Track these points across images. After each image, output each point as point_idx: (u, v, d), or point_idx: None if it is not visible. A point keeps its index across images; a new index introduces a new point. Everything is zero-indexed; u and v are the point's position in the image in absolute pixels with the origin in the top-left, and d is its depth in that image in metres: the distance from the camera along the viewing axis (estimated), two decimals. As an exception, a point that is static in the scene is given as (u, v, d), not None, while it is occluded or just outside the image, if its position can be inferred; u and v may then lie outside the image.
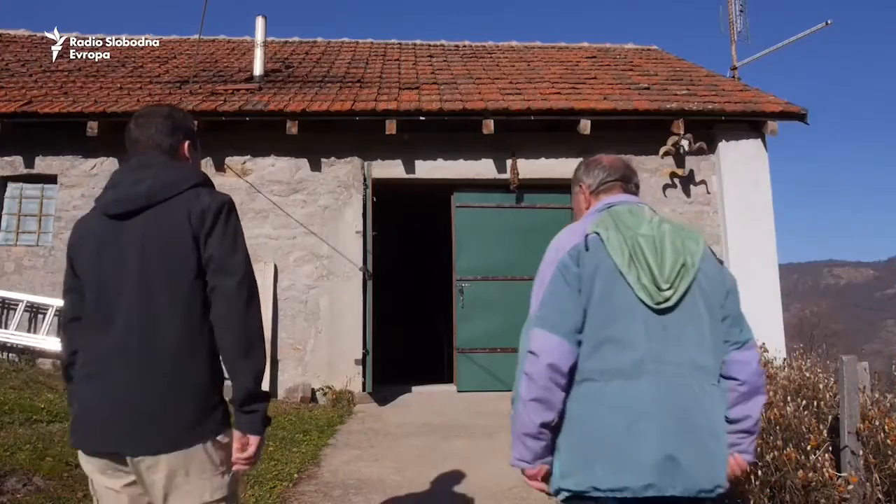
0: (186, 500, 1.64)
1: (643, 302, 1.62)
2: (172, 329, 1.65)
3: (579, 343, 1.62)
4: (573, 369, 1.61)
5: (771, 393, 3.18)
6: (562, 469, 1.62)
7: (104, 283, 1.70)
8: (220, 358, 1.70)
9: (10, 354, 6.67)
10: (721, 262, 1.79)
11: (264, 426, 1.69)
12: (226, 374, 1.70)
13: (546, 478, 1.66)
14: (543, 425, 1.61)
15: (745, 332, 1.72)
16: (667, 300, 1.62)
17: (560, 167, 7.30)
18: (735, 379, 1.67)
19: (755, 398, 1.69)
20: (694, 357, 1.62)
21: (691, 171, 7.28)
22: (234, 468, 1.72)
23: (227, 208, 1.74)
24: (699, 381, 1.62)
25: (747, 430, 1.68)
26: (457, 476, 4.13)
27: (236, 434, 1.69)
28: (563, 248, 1.69)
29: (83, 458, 1.74)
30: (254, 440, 1.67)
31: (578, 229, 1.73)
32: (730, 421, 1.67)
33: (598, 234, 1.68)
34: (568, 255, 1.66)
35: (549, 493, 1.68)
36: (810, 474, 2.57)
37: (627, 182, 1.88)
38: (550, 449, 1.64)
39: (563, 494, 1.61)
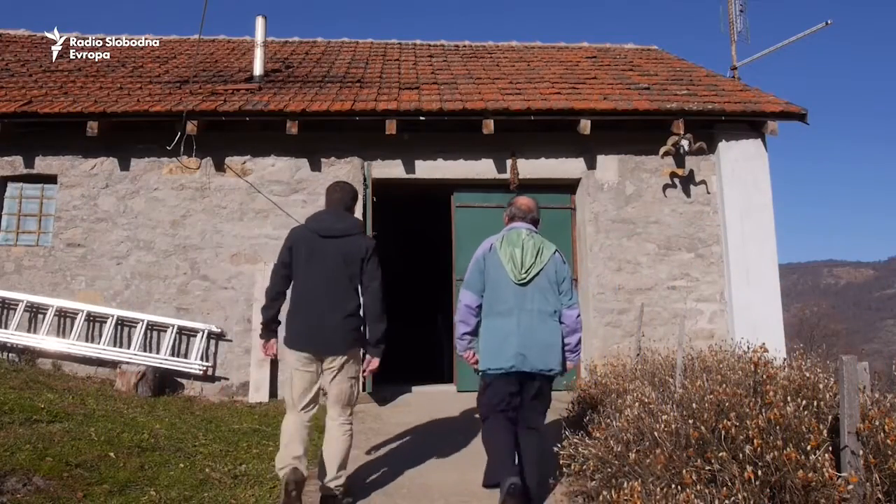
0: (347, 374, 3.60)
1: (513, 280, 3.59)
2: (351, 298, 3.60)
3: (482, 296, 3.66)
4: (479, 308, 3.67)
5: (771, 393, 3.18)
6: (480, 360, 3.65)
7: (317, 268, 3.58)
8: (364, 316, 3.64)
9: (10, 354, 6.67)
10: (565, 262, 3.75)
11: (381, 354, 3.66)
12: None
13: (475, 363, 3.69)
14: (464, 334, 3.72)
15: (572, 299, 3.67)
16: (524, 279, 3.58)
17: (560, 167, 7.30)
18: (564, 323, 3.65)
19: (574, 334, 3.67)
20: (539, 306, 3.58)
21: (691, 171, 7.28)
22: (365, 374, 3.84)
23: (375, 248, 3.69)
24: (541, 318, 3.57)
25: (570, 349, 3.67)
26: (457, 476, 4.13)
27: (367, 357, 3.67)
28: (482, 250, 3.76)
29: (293, 355, 3.56)
30: (375, 360, 3.67)
31: (491, 240, 3.77)
32: (564, 344, 3.64)
33: (497, 245, 3.71)
34: (481, 254, 3.74)
35: (476, 370, 3.71)
36: (810, 474, 2.57)
37: (524, 217, 3.83)
38: (470, 345, 3.72)
39: (481, 372, 3.66)
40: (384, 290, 3.65)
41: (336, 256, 3.58)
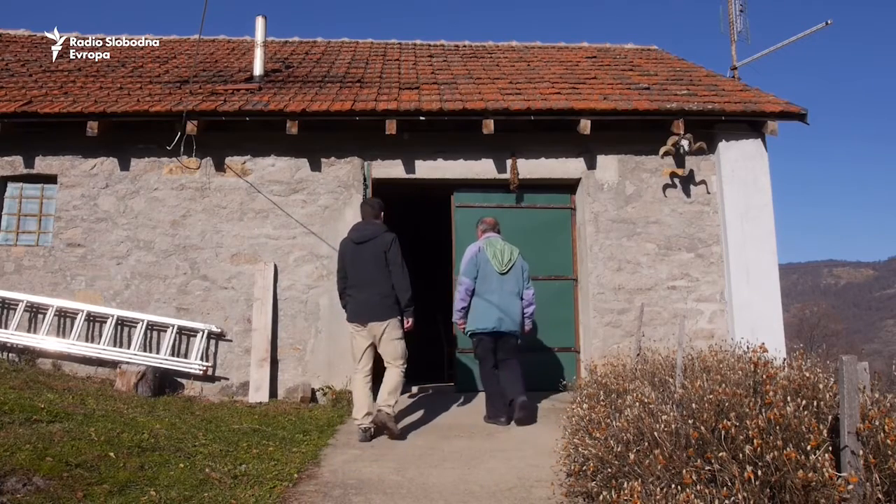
0: (390, 336, 5.07)
1: (497, 271, 5.56)
2: (385, 282, 5.06)
3: (475, 281, 5.57)
4: (473, 291, 5.58)
5: (771, 393, 3.18)
6: (468, 324, 5.64)
7: (357, 266, 5.12)
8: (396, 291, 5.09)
9: (10, 354, 6.67)
10: (524, 259, 5.77)
11: (413, 315, 5.15)
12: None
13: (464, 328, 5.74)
14: (461, 308, 5.64)
15: (529, 283, 5.71)
16: (505, 270, 5.58)
17: (560, 167, 7.30)
18: (524, 299, 5.64)
19: (531, 306, 5.70)
20: (510, 289, 5.58)
21: (691, 171, 7.28)
22: (406, 329, 5.18)
23: (395, 238, 5.11)
24: (511, 296, 5.58)
25: (528, 316, 5.69)
26: (456, 476, 4.13)
27: (404, 318, 5.14)
28: (472, 251, 5.69)
29: (352, 326, 5.17)
30: (410, 320, 5.15)
31: (478, 244, 5.75)
32: (523, 314, 5.63)
33: (483, 247, 5.67)
34: (474, 253, 5.66)
35: (465, 331, 5.75)
36: (810, 474, 2.57)
37: (493, 229, 5.89)
38: (464, 317, 5.66)
39: (469, 332, 5.66)
40: (406, 267, 5.09)
41: (369, 255, 5.08)
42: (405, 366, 5.11)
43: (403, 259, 5.13)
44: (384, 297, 5.03)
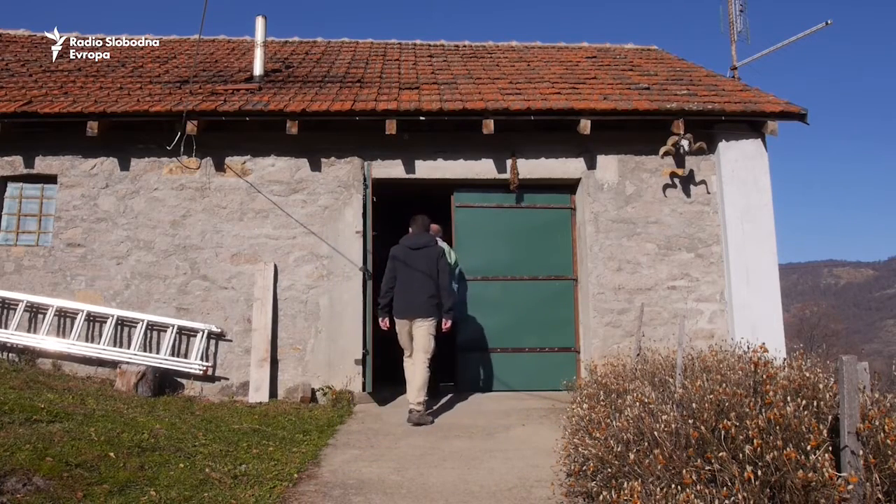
0: (428, 332, 5.78)
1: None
2: (432, 286, 5.81)
3: None
4: None
5: (771, 393, 3.18)
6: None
7: (409, 271, 5.83)
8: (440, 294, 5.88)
9: (10, 354, 6.67)
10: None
11: (452, 318, 5.99)
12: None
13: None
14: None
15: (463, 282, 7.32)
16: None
17: (560, 167, 7.31)
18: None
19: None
20: (457, 287, 7.09)
21: (691, 171, 7.28)
22: (444, 330, 5.96)
23: (444, 252, 6.06)
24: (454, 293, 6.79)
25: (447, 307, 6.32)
26: (456, 476, 4.13)
27: (444, 319, 5.89)
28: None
29: (399, 321, 5.86)
30: (449, 322, 5.92)
31: None
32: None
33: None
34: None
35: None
36: (810, 474, 2.57)
37: (439, 234, 6.87)
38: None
39: (447, 322, 6.01)
40: (451, 276, 6.00)
41: (423, 260, 5.81)
42: (429, 360, 5.76)
43: (448, 266, 6.05)
44: (430, 297, 5.78)
